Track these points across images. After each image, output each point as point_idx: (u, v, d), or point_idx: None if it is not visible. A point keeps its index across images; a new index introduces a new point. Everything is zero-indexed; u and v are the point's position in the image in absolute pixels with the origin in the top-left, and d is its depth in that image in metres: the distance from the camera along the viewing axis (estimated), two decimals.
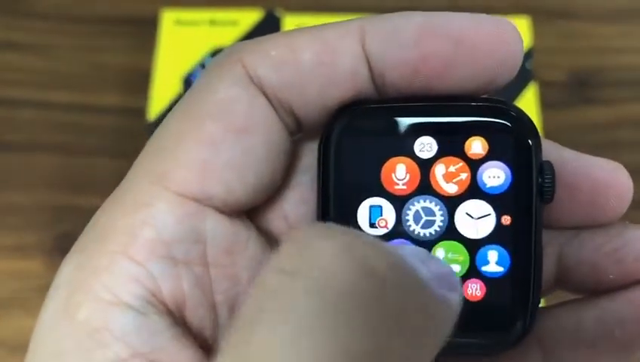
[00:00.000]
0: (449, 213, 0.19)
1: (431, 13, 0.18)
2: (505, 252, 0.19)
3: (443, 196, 0.19)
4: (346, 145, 0.19)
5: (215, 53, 0.47)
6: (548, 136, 0.45)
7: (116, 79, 0.48)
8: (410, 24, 0.18)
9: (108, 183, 0.19)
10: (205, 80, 0.19)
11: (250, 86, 0.18)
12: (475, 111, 0.19)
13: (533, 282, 0.19)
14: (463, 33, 0.18)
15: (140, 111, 0.45)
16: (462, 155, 0.19)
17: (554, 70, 0.48)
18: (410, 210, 0.19)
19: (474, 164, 0.19)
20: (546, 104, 0.46)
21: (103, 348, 0.17)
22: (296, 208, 0.20)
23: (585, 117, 0.47)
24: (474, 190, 0.19)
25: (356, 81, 0.19)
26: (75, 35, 0.50)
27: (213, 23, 0.47)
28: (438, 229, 0.19)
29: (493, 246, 0.19)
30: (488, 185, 0.19)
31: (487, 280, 0.19)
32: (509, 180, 0.19)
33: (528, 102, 0.45)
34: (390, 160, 0.19)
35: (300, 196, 0.20)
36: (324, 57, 0.18)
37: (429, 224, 0.19)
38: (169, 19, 0.47)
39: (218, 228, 0.18)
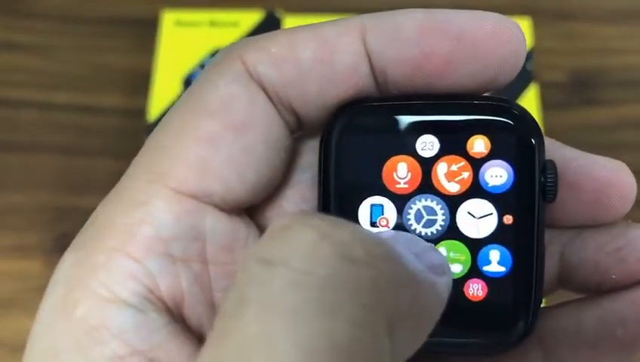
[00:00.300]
0: (450, 212, 0.19)
1: (432, 10, 0.18)
2: (507, 251, 0.19)
3: (445, 195, 0.19)
4: (346, 144, 0.19)
5: (215, 53, 0.46)
6: (549, 136, 0.44)
7: (117, 80, 0.48)
8: (411, 21, 0.18)
9: (108, 184, 0.19)
10: (205, 77, 0.19)
11: (250, 83, 0.18)
12: (477, 109, 0.19)
13: (535, 282, 0.19)
14: (465, 31, 0.18)
15: (141, 111, 0.45)
16: (464, 154, 0.19)
17: (554, 71, 0.48)
18: (411, 208, 0.19)
19: (476, 163, 0.19)
20: (546, 105, 0.45)
21: (100, 346, 0.16)
22: (296, 206, 0.20)
23: (585, 118, 0.47)
24: (476, 189, 0.19)
25: (357, 78, 0.18)
26: (75, 35, 0.50)
27: (213, 23, 0.47)
28: (439, 228, 0.19)
29: (495, 245, 0.19)
30: (490, 185, 0.19)
31: (489, 279, 0.19)
32: (512, 179, 0.19)
33: (529, 103, 0.45)
34: (391, 158, 0.19)
35: (300, 194, 0.20)
36: (324, 55, 0.18)
37: (430, 223, 0.19)
38: (169, 20, 0.47)
39: (217, 225, 0.18)
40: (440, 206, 0.19)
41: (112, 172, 0.45)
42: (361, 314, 0.13)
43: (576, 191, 0.19)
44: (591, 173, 0.19)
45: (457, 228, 0.19)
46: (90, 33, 0.50)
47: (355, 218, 0.20)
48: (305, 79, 0.18)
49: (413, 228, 0.19)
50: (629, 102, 0.47)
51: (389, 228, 0.20)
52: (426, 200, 0.19)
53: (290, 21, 0.47)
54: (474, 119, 0.19)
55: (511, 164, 0.19)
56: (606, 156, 0.20)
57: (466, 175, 0.19)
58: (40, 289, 0.18)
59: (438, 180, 0.19)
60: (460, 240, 0.19)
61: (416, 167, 0.19)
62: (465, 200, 0.19)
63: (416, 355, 0.20)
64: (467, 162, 0.19)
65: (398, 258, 0.15)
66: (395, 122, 0.19)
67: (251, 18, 0.48)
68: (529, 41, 0.46)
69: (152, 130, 0.19)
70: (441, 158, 0.19)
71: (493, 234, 0.19)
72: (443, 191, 0.19)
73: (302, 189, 0.20)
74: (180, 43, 0.47)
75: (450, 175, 0.19)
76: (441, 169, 0.19)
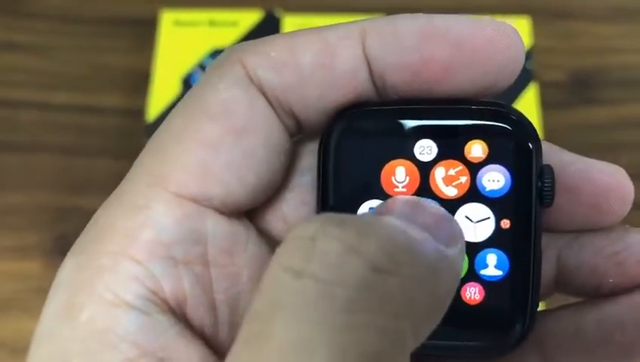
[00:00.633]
0: None
1: (432, 16, 0.18)
2: (504, 256, 0.19)
3: (443, 199, 0.19)
4: (345, 147, 0.19)
5: (214, 53, 0.46)
6: (548, 136, 0.44)
7: (116, 80, 0.48)
8: (411, 27, 0.18)
9: (108, 184, 0.19)
10: (206, 80, 0.19)
11: (250, 87, 0.18)
12: (475, 114, 0.19)
13: (532, 286, 0.19)
14: (464, 37, 0.18)
15: (140, 111, 0.45)
16: (462, 158, 0.19)
17: (554, 70, 0.48)
18: None
19: (474, 168, 0.19)
20: (546, 104, 0.45)
21: (110, 350, 0.16)
22: (295, 209, 0.20)
23: (585, 117, 0.47)
24: (473, 193, 0.19)
25: (356, 83, 0.19)
26: (74, 35, 0.50)
27: (212, 23, 0.47)
28: None
29: (493, 249, 0.19)
30: (488, 189, 0.19)
31: (486, 283, 0.19)
32: (509, 184, 0.19)
33: (529, 103, 0.45)
34: (390, 162, 0.19)
35: (299, 197, 0.20)
36: (324, 59, 0.18)
37: None
38: (168, 19, 0.47)
39: (217, 228, 0.18)
40: None
41: (111, 172, 0.45)
42: (390, 324, 0.14)
43: (574, 195, 0.19)
44: (589, 177, 0.19)
45: None
46: (89, 33, 0.50)
47: None
48: (305, 83, 0.18)
49: None
50: (628, 101, 0.47)
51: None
52: None
53: (289, 21, 0.47)
54: (472, 124, 0.19)
55: (508, 169, 0.19)
56: (606, 156, 0.20)
57: (464, 179, 0.19)
58: (40, 290, 0.18)
59: (436, 184, 0.19)
60: None
61: (415, 171, 0.19)
62: (462, 204, 0.19)
63: (415, 358, 0.20)
64: (465, 166, 0.19)
65: (419, 254, 0.15)
66: (393, 126, 0.19)
67: (250, 18, 0.48)
68: (529, 40, 0.46)
69: (151, 130, 0.19)
70: (439, 163, 0.19)
71: (490, 238, 0.19)
72: (441, 196, 0.19)
73: (302, 192, 0.20)
74: (179, 43, 0.47)
75: (447, 179, 0.19)
76: (438, 173, 0.19)
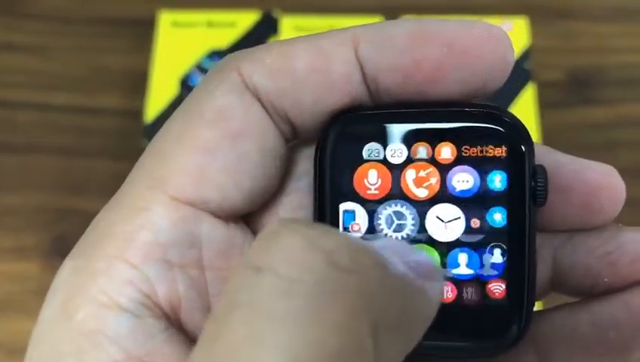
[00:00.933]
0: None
1: (423, 20, 0.19)
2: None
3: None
4: (341, 151, 0.20)
5: (212, 54, 0.47)
6: (547, 136, 0.45)
7: (115, 81, 0.48)
8: (402, 30, 0.18)
9: (106, 185, 0.19)
10: (203, 87, 0.19)
11: (246, 93, 0.19)
12: (468, 116, 0.19)
13: (527, 285, 0.19)
14: (454, 38, 0.18)
15: (139, 112, 0.46)
16: (453, 160, 0.19)
17: (552, 70, 0.48)
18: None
19: (466, 168, 0.19)
20: (544, 104, 0.46)
21: (97, 351, 0.17)
22: (292, 214, 0.20)
23: (584, 117, 0.47)
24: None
25: (350, 87, 0.19)
26: (73, 36, 0.50)
27: (210, 24, 0.47)
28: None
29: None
30: (477, 189, 0.19)
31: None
32: (505, 184, 0.19)
33: (527, 103, 0.45)
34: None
35: (296, 202, 0.20)
36: (318, 64, 0.19)
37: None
38: (166, 20, 0.47)
39: (214, 232, 0.19)
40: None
41: (110, 173, 0.45)
42: (346, 320, 0.14)
43: (567, 195, 0.19)
44: (581, 176, 0.19)
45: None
46: (87, 34, 0.50)
47: None
48: (299, 88, 0.19)
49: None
50: (627, 100, 0.47)
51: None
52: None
53: (287, 21, 0.47)
54: (465, 126, 0.19)
55: (502, 170, 0.19)
56: (604, 155, 0.20)
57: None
58: (38, 291, 0.18)
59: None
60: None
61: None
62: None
63: (410, 359, 0.20)
64: (461, 167, 0.19)
65: (386, 265, 0.15)
66: (387, 130, 0.19)
67: (248, 18, 0.48)
68: (527, 40, 0.46)
69: (149, 131, 0.19)
70: (433, 164, 0.19)
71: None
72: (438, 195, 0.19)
73: (298, 197, 0.20)
74: (177, 43, 0.47)
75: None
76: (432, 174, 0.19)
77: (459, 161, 0.19)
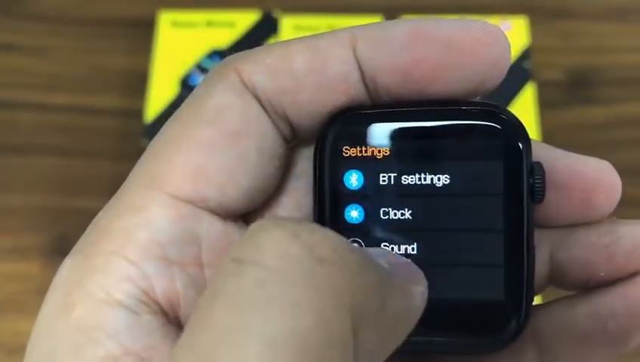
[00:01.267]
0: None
1: (421, 20, 0.19)
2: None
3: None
4: (340, 151, 0.20)
5: (212, 54, 0.47)
6: (546, 135, 0.45)
7: (114, 81, 0.48)
8: (400, 30, 0.19)
9: (106, 185, 0.19)
10: (202, 87, 0.19)
11: (245, 93, 0.19)
12: (466, 114, 0.19)
13: (526, 281, 0.19)
14: (452, 37, 0.18)
15: (139, 112, 0.46)
16: (453, 157, 0.19)
17: (552, 69, 0.48)
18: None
19: (465, 166, 0.19)
20: (544, 103, 0.46)
21: (94, 346, 0.17)
22: (291, 213, 0.20)
23: (583, 116, 0.47)
24: (462, 190, 0.19)
25: (348, 86, 0.19)
26: (73, 37, 0.50)
27: (210, 24, 0.47)
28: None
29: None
30: (477, 187, 0.19)
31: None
32: (500, 182, 0.19)
33: (526, 102, 0.45)
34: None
35: (295, 201, 0.21)
36: (316, 64, 0.19)
37: None
38: (166, 20, 0.47)
39: (213, 230, 0.19)
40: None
41: (110, 173, 0.45)
42: (327, 311, 0.14)
43: (564, 191, 0.19)
44: (577, 172, 0.19)
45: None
46: (87, 34, 0.50)
47: None
48: (298, 88, 0.19)
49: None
50: (626, 100, 0.47)
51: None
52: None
53: (286, 21, 0.48)
54: (463, 124, 0.19)
55: (499, 167, 0.19)
56: (603, 154, 0.20)
57: (453, 177, 0.19)
58: (38, 292, 0.18)
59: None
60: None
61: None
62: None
63: (409, 355, 0.20)
64: (455, 165, 0.19)
65: (370, 263, 0.16)
66: (386, 129, 0.20)
67: (248, 18, 0.48)
68: (526, 39, 0.47)
69: (149, 131, 0.19)
70: (431, 162, 0.20)
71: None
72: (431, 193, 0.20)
73: (297, 196, 0.21)
74: (177, 43, 0.47)
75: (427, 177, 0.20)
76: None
77: (458, 158, 0.19)
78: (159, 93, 0.45)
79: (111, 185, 0.19)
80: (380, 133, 0.20)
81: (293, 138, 0.20)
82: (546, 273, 0.20)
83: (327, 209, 0.20)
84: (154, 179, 0.18)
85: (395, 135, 0.20)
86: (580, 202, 0.19)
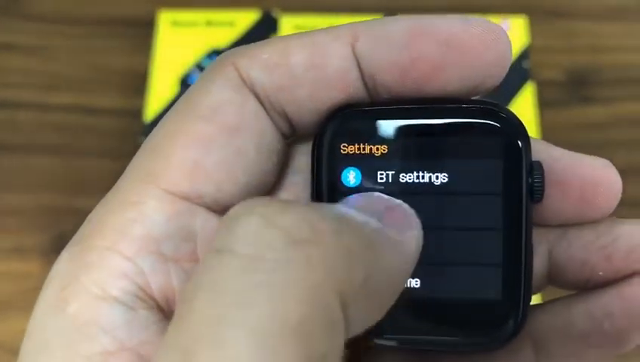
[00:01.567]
0: None
1: (421, 17, 0.19)
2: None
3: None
4: (338, 147, 0.20)
5: (212, 54, 0.47)
6: (545, 134, 0.45)
7: (114, 81, 0.48)
8: (399, 27, 0.18)
9: (106, 185, 0.19)
10: (199, 83, 0.19)
11: (242, 88, 0.19)
12: (465, 112, 0.19)
13: (524, 280, 0.19)
14: (452, 35, 0.18)
15: (138, 112, 0.46)
16: (451, 155, 0.19)
17: (551, 69, 0.48)
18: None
19: (463, 164, 0.19)
20: (543, 103, 0.46)
21: (90, 342, 0.17)
22: None
23: (582, 116, 0.47)
24: (461, 188, 0.19)
25: (347, 83, 0.19)
26: (72, 36, 0.50)
27: (209, 23, 0.47)
28: None
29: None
30: (475, 185, 0.19)
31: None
32: (499, 180, 0.19)
33: (526, 102, 0.45)
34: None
35: (293, 197, 0.20)
36: (314, 60, 0.19)
37: None
38: (166, 20, 0.47)
39: (209, 225, 0.19)
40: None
41: (109, 172, 0.45)
42: (310, 293, 0.14)
43: (563, 190, 0.19)
44: (577, 171, 0.19)
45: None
46: (87, 34, 0.50)
47: None
48: (296, 84, 0.19)
49: None
50: (625, 99, 0.47)
51: None
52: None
53: (286, 21, 0.48)
54: (462, 122, 0.19)
55: (498, 166, 0.19)
56: (602, 154, 0.20)
57: (453, 175, 0.19)
58: (38, 291, 0.18)
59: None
60: None
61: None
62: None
63: (407, 354, 0.21)
64: (453, 163, 0.19)
65: (350, 228, 0.15)
66: (385, 126, 0.20)
67: (248, 18, 0.48)
68: (525, 39, 0.47)
69: (149, 131, 0.19)
70: (430, 159, 0.19)
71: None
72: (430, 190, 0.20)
73: (295, 192, 0.20)
74: (177, 43, 0.47)
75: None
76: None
77: (457, 156, 0.19)
78: (159, 92, 0.45)
79: (111, 185, 0.19)
80: (378, 131, 0.20)
81: (291, 134, 0.20)
82: (544, 272, 0.20)
83: None
84: (150, 174, 0.18)
85: (394, 132, 0.19)
86: (579, 201, 0.19)
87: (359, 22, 0.19)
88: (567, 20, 0.49)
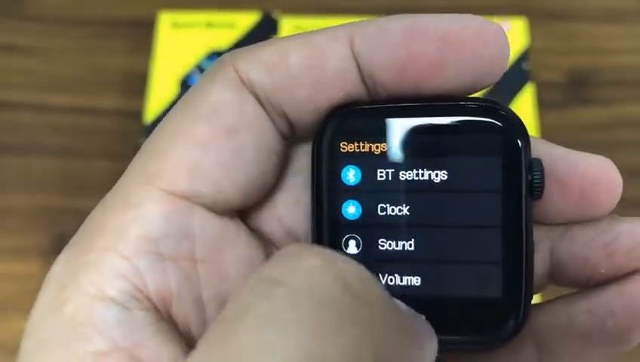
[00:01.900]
0: None
1: (418, 15, 0.19)
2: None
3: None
4: (337, 147, 0.20)
5: (212, 55, 0.47)
6: (545, 136, 0.45)
7: (114, 82, 0.48)
8: (397, 26, 0.19)
9: (106, 185, 0.19)
10: (199, 84, 0.19)
11: (242, 89, 0.19)
12: (465, 110, 0.19)
13: (525, 278, 0.19)
14: (449, 33, 0.18)
15: (138, 113, 0.46)
16: (451, 153, 0.19)
17: (551, 70, 0.48)
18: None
19: (463, 162, 0.19)
20: (543, 104, 0.46)
21: (84, 342, 0.17)
22: (289, 209, 0.20)
23: (582, 117, 0.47)
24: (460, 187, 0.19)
25: (346, 82, 0.19)
26: (72, 37, 0.50)
27: (210, 25, 0.48)
28: None
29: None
30: (475, 183, 0.19)
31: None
32: (499, 178, 0.19)
33: (525, 103, 0.45)
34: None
35: (293, 197, 0.21)
36: (313, 60, 0.19)
37: None
38: (166, 21, 0.48)
39: (207, 225, 0.19)
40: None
41: (109, 173, 0.45)
42: (350, 343, 0.14)
43: (563, 188, 0.19)
44: (578, 169, 0.19)
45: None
46: (87, 35, 0.50)
47: None
48: (295, 84, 0.19)
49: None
50: (625, 101, 0.47)
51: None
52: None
53: (286, 22, 0.48)
54: (462, 120, 0.19)
55: (498, 164, 0.19)
56: (602, 155, 0.20)
57: (451, 173, 0.19)
58: (37, 292, 0.18)
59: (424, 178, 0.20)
60: None
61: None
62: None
63: None
64: (452, 161, 0.19)
65: (394, 305, 0.16)
66: (384, 125, 0.20)
67: (248, 19, 0.48)
68: (525, 41, 0.47)
69: (149, 132, 0.19)
70: (429, 158, 0.19)
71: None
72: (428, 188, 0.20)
73: (295, 192, 0.21)
74: (177, 44, 0.47)
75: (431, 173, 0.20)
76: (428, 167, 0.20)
77: (456, 154, 0.19)
78: (159, 93, 0.45)
79: (110, 186, 0.19)
80: (378, 129, 0.20)
81: (291, 135, 0.20)
82: (546, 270, 0.20)
83: (324, 205, 0.20)
84: (149, 175, 0.18)
85: (393, 131, 0.19)
86: (580, 199, 0.19)
87: (357, 22, 0.19)
88: (567, 22, 0.50)
